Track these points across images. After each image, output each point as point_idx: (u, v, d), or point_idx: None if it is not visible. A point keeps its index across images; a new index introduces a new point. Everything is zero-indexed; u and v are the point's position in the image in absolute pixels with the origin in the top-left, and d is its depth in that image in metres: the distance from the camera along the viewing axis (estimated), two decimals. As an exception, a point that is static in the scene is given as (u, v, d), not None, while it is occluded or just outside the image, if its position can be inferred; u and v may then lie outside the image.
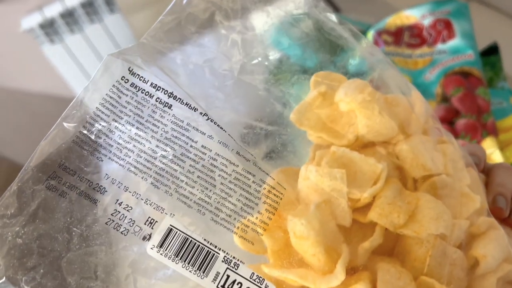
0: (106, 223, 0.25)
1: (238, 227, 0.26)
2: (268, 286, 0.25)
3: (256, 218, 0.26)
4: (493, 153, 0.62)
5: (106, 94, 0.27)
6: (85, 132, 0.26)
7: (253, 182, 0.26)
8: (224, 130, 0.27)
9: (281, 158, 0.30)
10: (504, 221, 0.34)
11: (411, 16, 0.77)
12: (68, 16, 1.12)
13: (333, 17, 0.32)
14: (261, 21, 0.31)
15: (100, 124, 0.26)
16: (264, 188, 0.27)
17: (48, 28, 1.09)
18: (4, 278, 0.23)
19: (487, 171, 0.38)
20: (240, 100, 0.30)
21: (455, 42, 0.71)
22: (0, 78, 1.19)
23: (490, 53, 0.74)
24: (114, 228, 0.25)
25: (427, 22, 0.75)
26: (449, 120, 0.66)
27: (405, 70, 0.73)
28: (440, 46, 0.72)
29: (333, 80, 0.33)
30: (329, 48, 0.33)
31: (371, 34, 0.77)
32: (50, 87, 1.24)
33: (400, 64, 0.73)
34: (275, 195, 0.27)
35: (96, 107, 0.26)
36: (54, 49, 1.14)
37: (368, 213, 0.28)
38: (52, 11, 1.10)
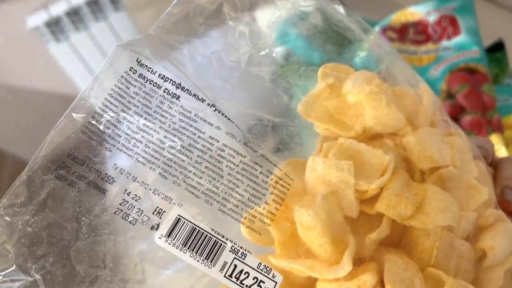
0: (114, 213, 0.25)
1: (245, 217, 0.26)
2: (275, 276, 0.25)
3: (263, 208, 0.26)
4: (499, 150, 0.62)
5: (115, 85, 0.27)
6: (93, 122, 0.26)
7: (261, 172, 0.26)
8: (231, 121, 0.27)
9: (289, 150, 0.30)
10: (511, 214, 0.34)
11: (416, 12, 0.76)
12: (74, 14, 1.12)
13: (340, 9, 0.32)
14: (269, 12, 0.31)
15: (109, 115, 0.26)
16: (272, 179, 0.27)
17: (54, 26, 1.09)
18: (15, 266, 0.24)
19: (495, 165, 0.38)
20: (247, 91, 0.30)
21: (460, 38, 0.71)
22: (5, 76, 1.20)
23: (496, 50, 0.74)
24: (122, 218, 0.25)
25: (432, 18, 0.74)
26: (454, 116, 0.66)
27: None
28: (445, 42, 0.72)
29: (340, 72, 0.33)
30: (337, 40, 0.33)
31: (376, 30, 0.76)
32: (56, 86, 1.25)
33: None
34: (282, 185, 0.27)
35: (105, 98, 0.26)
36: (60, 48, 1.14)
37: (375, 205, 0.28)
38: (58, 9, 1.10)
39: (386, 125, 0.31)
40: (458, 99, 0.66)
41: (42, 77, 1.23)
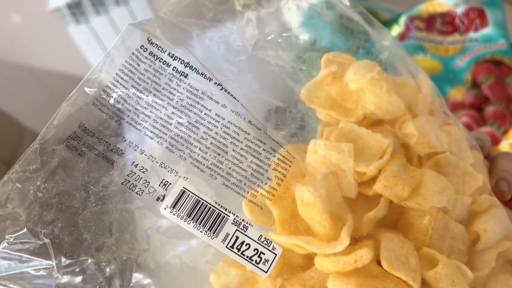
0: (122, 183, 0.26)
1: (248, 192, 0.27)
2: (275, 248, 0.26)
3: (266, 184, 0.27)
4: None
5: (126, 61, 0.28)
6: (104, 96, 0.27)
7: (264, 150, 0.27)
8: (237, 99, 0.28)
9: (291, 133, 0.31)
10: (506, 204, 0.35)
11: (444, 3, 0.77)
12: (95, -3, 1.12)
13: (345, 0, 0.34)
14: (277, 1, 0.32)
15: (119, 90, 0.27)
16: (274, 156, 0.28)
17: (75, 8, 1.10)
18: (25, 229, 0.24)
19: (491, 158, 0.39)
20: (252, 75, 0.32)
21: (488, 30, 0.72)
22: (24, 56, 1.21)
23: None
24: (129, 188, 0.26)
25: (460, 10, 0.75)
26: (478, 106, 0.67)
27: (436, 56, 0.73)
28: (472, 34, 0.72)
29: (343, 60, 0.34)
30: (340, 30, 0.34)
31: (403, 20, 0.77)
32: (72, 67, 1.25)
33: (431, 50, 0.73)
34: (284, 162, 0.28)
35: (116, 73, 0.27)
36: (79, 30, 1.15)
37: (373, 186, 0.29)
38: (80, -9, 1.11)
39: (386, 112, 0.32)
40: (483, 89, 0.67)
41: (60, 58, 1.23)
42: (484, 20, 0.73)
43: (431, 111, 0.33)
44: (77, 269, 0.25)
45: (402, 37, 0.76)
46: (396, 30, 0.77)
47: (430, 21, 0.76)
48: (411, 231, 0.29)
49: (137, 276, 0.26)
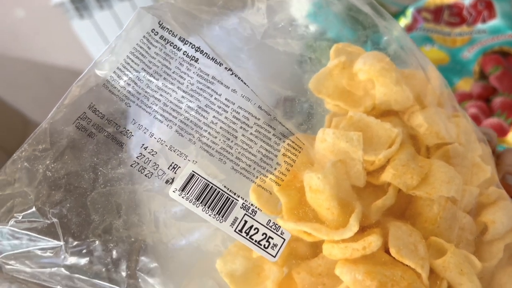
0: (131, 165, 0.26)
1: (257, 177, 0.27)
2: (283, 233, 0.26)
3: (275, 169, 0.27)
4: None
5: (137, 44, 0.28)
6: (115, 78, 0.27)
7: (273, 135, 0.27)
8: (247, 85, 0.28)
9: (300, 122, 0.31)
10: (512, 198, 0.35)
11: None
12: (99, -9, 1.12)
13: (354, -9, 0.34)
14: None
15: (130, 72, 0.27)
16: (284, 142, 0.28)
17: (78, 3, 1.10)
18: (34, 208, 0.24)
19: (497, 154, 0.39)
20: (262, 63, 0.31)
21: (496, 22, 0.72)
22: (27, 50, 1.21)
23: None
24: (138, 171, 0.26)
25: (467, 1, 0.75)
26: (485, 97, 0.67)
27: (444, 47, 0.73)
28: (479, 25, 0.72)
29: (352, 51, 0.34)
30: (349, 21, 0.34)
31: (410, 11, 0.77)
32: (76, 62, 1.24)
33: (438, 41, 0.73)
34: (294, 148, 0.28)
35: (127, 56, 0.27)
36: (83, 25, 1.14)
37: (382, 174, 0.29)
38: (83, -14, 1.11)
39: (395, 102, 0.32)
40: (491, 80, 0.67)
41: (63, 52, 1.23)
42: (491, 12, 0.73)
43: (440, 103, 0.33)
44: (84, 250, 0.25)
45: (409, 28, 0.75)
46: (403, 22, 0.76)
47: (438, 13, 0.76)
48: (419, 220, 0.29)
49: (144, 260, 0.26)
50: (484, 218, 0.29)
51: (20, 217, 0.24)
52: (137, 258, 0.26)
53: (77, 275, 0.24)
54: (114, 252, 0.26)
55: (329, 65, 0.33)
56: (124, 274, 0.25)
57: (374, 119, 0.30)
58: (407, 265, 0.26)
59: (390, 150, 0.29)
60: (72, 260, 0.25)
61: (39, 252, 0.24)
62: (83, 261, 0.25)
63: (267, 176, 0.27)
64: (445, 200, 0.28)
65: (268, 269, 0.29)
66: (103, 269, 0.25)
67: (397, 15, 0.78)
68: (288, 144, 0.28)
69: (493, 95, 0.66)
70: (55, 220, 0.24)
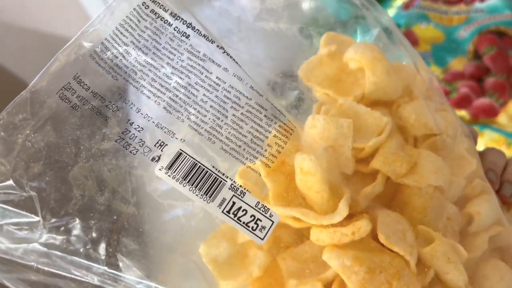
0: (115, 141, 0.25)
1: (247, 159, 0.26)
2: (272, 216, 0.25)
3: (265, 150, 0.26)
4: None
5: (126, 17, 0.27)
6: (102, 49, 0.26)
7: (265, 116, 0.27)
8: (239, 64, 0.27)
9: (290, 105, 0.30)
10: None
11: None
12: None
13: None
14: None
15: (118, 45, 0.26)
16: (275, 123, 0.27)
17: None
18: (11, 179, 0.23)
19: (480, 153, 0.39)
20: (253, 45, 0.31)
21: (494, 1, 0.72)
22: (34, 21, 1.17)
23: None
24: (123, 147, 0.25)
25: None
26: (478, 77, 0.67)
27: (439, 26, 0.73)
28: (478, 4, 0.72)
29: (343, 41, 0.34)
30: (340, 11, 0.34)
31: None
32: None
33: (434, 19, 0.73)
34: (285, 130, 0.27)
35: (116, 27, 0.26)
36: None
37: (371, 161, 0.29)
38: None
39: (385, 93, 0.32)
40: (485, 60, 0.67)
41: (70, 25, 1.20)
42: (490, -9, 0.73)
43: (428, 97, 0.33)
44: (63, 228, 0.24)
45: (406, 6, 0.75)
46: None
47: (435, -10, 0.76)
48: (407, 210, 0.29)
49: (124, 241, 0.25)
50: (470, 210, 0.29)
51: (-4, 189, 0.23)
52: (118, 238, 0.25)
53: (55, 252, 0.23)
54: (95, 231, 0.24)
55: (319, 54, 0.33)
56: (103, 253, 0.24)
57: (364, 107, 0.30)
58: (395, 252, 0.26)
59: (380, 138, 0.29)
60: (49, 236, 0.23)
61: (14, 227, 0.23)
62: (61, 239, 0.24)
63: (256, 158, 0.26)
64: (433, 190, 0.28)
65: (253, 255, 0.28)
66: (82, 248, 0.24)
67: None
68: (279, 126, 0.27)
69: (485, 75, 0.67)
70: (33, 193, 0.23)
